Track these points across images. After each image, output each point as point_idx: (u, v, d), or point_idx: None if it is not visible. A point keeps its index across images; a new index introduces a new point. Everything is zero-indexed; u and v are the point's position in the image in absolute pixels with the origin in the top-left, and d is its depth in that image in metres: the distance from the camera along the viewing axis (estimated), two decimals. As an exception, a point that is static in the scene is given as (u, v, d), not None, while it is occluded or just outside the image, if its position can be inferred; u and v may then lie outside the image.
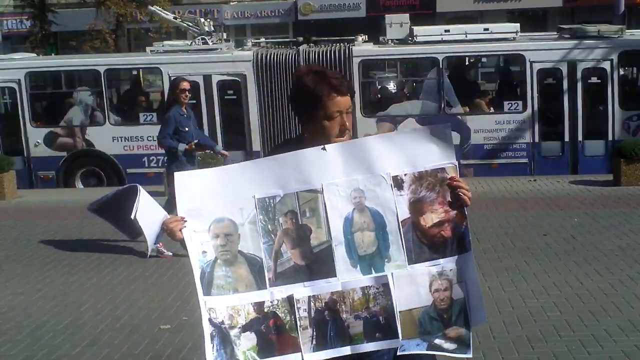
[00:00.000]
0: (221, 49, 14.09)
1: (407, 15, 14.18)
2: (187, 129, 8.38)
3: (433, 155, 2.75)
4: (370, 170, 2.73)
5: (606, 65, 12.87)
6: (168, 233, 2.74)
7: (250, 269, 2.72)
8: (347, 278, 2.72)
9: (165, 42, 15.15)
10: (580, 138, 13.03)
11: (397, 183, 2.74)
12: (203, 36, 14.46)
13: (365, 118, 13.05)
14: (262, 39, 16.05)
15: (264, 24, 34.64)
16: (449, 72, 13.71)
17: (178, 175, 2.75)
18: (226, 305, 2.70)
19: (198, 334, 2.74)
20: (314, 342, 2.71)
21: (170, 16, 16.28)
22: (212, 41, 14.36)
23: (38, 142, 13.83)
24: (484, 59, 15.77)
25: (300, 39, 15.29)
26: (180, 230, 2.71)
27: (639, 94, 13.83)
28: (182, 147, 8.25)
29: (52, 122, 14.14)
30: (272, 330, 2.71)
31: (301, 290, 2.71)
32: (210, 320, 2.69)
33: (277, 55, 13.38)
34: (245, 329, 2.70)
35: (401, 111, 13.39)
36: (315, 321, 2.71)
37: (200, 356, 2.71)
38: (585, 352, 5.27)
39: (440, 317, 2.76)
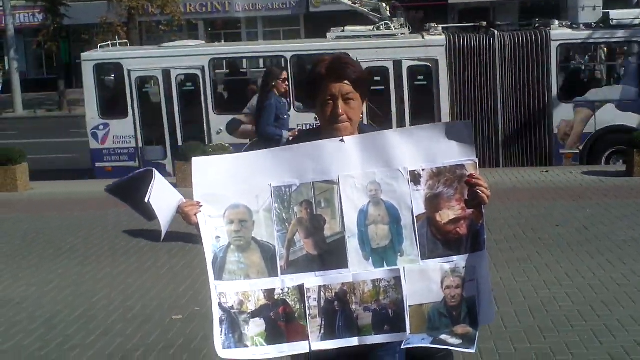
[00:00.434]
0: (403, 33, 13.79)
1: None
2: (286, 116, 8.49)
3: (453, 152, 2.73)
4: (388, 164, 2.72)
5: None
6: (183, 217, 2.75)
7: (262, 256, 2.73)
8: (359, 270, 2.72)
9: (346, 28, 14.44)
10: None
11: (415, 178, 2.73)
12: (386, 21, 14.22)
13: (563, 104, 12.89)
14: (433, 24, 14.52)
15: (275, 16, 34.70)
16: None
17: (195, 160, 2.76)
18: (237, 290, 2.72)
19: (209, 324, 2.75)
20: (322, 332, 2.72)
21: (349, 2, 15.79)
22: (394, 26, 14.08)
23: (220, 130, 13.49)
24: None
25: (484, 23, 14.75)
26: (195, 214, 2.72)
27: None
28: (286, 134, 8.28)
29: (234, 109, 13.63)
30: (281, 318, 2.72)
31: (312, 280, 2.72)
32: (220, 304, 2.70)
33: (471, 39, 13.03)
34: (254, 315, 2.72)
35: (600, 96, 13.10)
36: (325, 311, 2.72)
37: (211, 346, 2.72)
38: (597, 342, 5.25)
39: (449, 314, 2.75)
